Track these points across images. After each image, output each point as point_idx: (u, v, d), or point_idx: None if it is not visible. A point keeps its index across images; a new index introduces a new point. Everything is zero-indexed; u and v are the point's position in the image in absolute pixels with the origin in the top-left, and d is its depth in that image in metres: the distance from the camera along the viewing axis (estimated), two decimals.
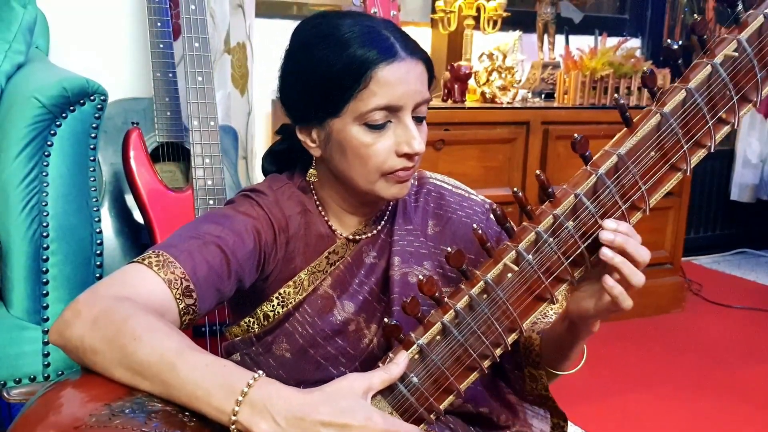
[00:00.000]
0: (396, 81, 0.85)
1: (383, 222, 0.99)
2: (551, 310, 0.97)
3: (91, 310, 0.74)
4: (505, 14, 2.46)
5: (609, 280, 0.77)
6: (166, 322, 0.75)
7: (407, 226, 0.99)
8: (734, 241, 3.73)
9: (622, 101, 0.75)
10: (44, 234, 1.38)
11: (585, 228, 0.77)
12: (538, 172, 0.78)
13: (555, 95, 2.60)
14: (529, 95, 2.62)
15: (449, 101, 2.37)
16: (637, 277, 0.77)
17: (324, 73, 0.86)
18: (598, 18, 3.14)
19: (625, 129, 0.77)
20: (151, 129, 1.89)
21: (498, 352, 0.80)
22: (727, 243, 3.71)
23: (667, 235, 2.72)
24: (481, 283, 0.77)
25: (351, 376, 0.75)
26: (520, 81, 2.51)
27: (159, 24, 1.84)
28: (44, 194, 1.38)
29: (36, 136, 1.36)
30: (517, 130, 2.37)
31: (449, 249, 0.78)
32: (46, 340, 1.41)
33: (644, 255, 0.77)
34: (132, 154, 1.69)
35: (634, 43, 3.19)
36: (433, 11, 2.55)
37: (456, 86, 2.34)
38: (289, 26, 1.22)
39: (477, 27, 2.50)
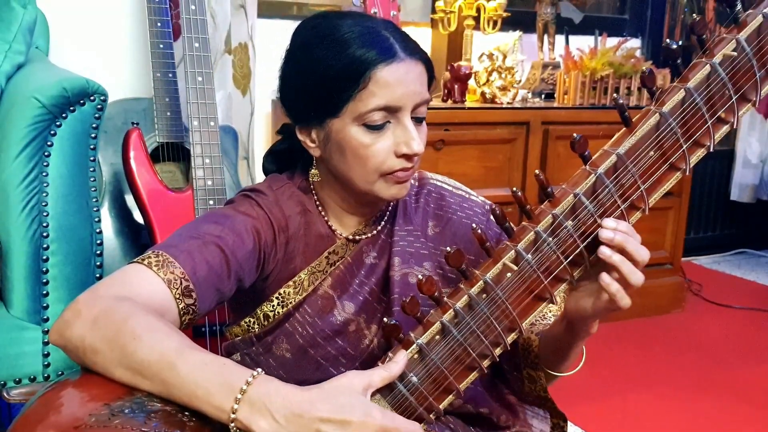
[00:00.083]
0: (395, 81, 0.85)
1: (383, 222, 0.99)
2: (550, 311, 0.97)
3: (91, 310, 0.74)
4: (505, 14, 2.46)
5: (606, 277, 0.77)
6: (166, 322, 0.75)
7: (407, 226, 0.99)
8: (734, 242, 3.73)
9: (622, 101, 0.75)
10: (44, 234, 1.38)
11: (584, 227, 0.77)
12: (537, 171, 0.78)
13: (555, 95, 2.60)
14: (529, 95, 2.61)
15: (449, 101, 2.37)
16: (636, 276, 0.77)
17: (323, 73, 0.86)
18: (598, 18, 3.14)
19: (624, 129, 0.77)
20: (151, 129, 1.89)
21: (497, 351, 0.80)
22: (727, 243, 3.71)
23: (667, 235, 2.72)
24: (481, 282, 0.77)
25: (350, 373, 0.75)
26: (520, 81, 2.51)
27: (159, 24, 1.85)
28: (44, 194, 1.38)
29: (36, 137, 1.36)
30: (517, 130, 2.37)
31: (448, 249, 0.78)
32: (46, 340, 1.41)
33: (643, 254, 0.77)
34: (132, 154, 1.69)
35: (634, 43, 3.19)
36: (433, 11, 2.55)
37: (456, 86, 2.34)
38: (289, 26, 1.21)
39: (477, 27, 2.50)
